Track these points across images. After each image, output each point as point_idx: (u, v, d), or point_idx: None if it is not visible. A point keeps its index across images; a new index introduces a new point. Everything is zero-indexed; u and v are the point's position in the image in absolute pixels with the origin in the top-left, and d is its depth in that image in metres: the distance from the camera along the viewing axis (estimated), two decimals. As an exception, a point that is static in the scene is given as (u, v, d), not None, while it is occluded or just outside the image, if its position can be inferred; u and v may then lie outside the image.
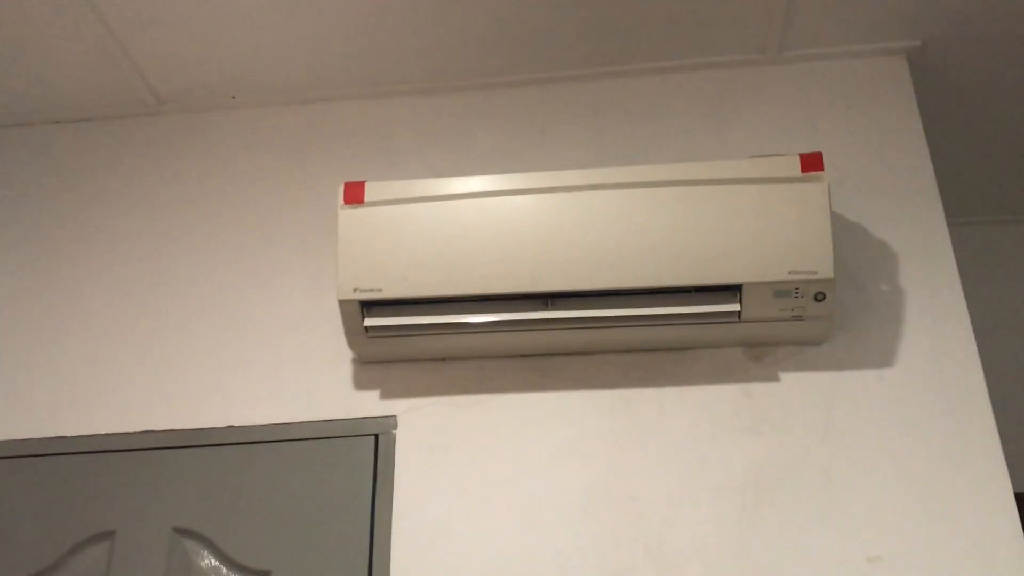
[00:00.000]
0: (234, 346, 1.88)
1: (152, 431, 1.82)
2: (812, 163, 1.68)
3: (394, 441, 1.76)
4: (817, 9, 1.93)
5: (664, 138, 1.99)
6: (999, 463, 1.63)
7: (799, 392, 1.73)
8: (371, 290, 1.69)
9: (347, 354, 1.83)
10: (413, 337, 1.75)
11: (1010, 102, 2.15)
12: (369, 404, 1.80)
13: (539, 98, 2.07)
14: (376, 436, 1.77)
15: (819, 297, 1.66)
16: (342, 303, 1.70)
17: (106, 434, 1.82)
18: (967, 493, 1.61)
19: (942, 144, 2.09)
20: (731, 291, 1.67)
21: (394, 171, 2.01)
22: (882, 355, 1.74)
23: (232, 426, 1.81)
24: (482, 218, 1.70)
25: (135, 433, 1.82)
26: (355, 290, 1.69)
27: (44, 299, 1.98)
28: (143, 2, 1.89)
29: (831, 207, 1.67)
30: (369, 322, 1.71)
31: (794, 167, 1.68)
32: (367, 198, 1.73)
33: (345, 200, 1.73)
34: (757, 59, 2.04)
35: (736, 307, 1.67)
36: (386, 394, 1.81)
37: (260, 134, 2.11)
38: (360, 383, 1.82)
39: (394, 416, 1.78)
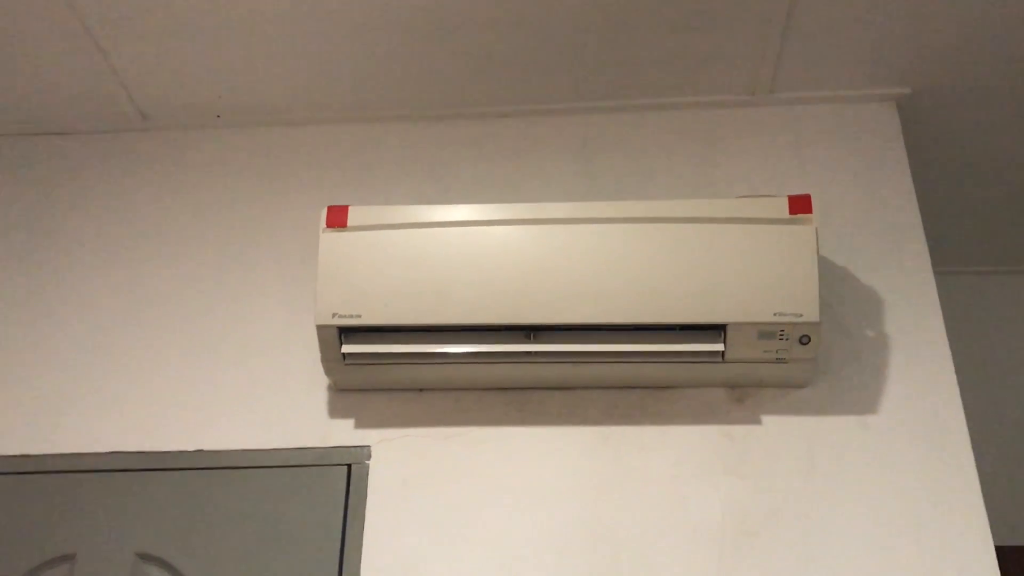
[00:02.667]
0: (208, 368, 1.87)
1: (119, 452, 1.79)
2: (800, 205, 1.69)
3: (367, 472, 1.74)
4: (809, 53, 1.95)
5: (652, 175, 2.01)
6: (980, 514, 1.63)
7: (781, 436, 1.73)
8: (350, 316, 1.68)
9: (322, 381, 1.81)
10: (391, 366, 1.73)
11: (998, 152, 2.19)
12: (343, 433, 1.78)
13: (527, 130, 2.08)
14: (349, 466, 1.75)
15: (804, 340, 1.66)
16: (320, 328, 1.68)
17: (71, 454, 1.79)
18: (948, 543, 1.61)
19: (930, 192, 2.11)
20: (715, 331, 1.67)
21: (377, 196, 2.01)
22: (866, 401, 1.75)
23: (202, 450, 1.78)
24: (466, 247, 1.70)
25: (102, 454, 1.79)
26: (334, 315, 1.68)
27: (12, 314, 1.96)
28: (132, 19, 1.89)
29: (818, 250, 1.67)
30: (347, 348, 1.70)
31: (782, 209, 1.69)
32: (350, 222, 1.72)
33: (327, 224, 1.72)
34: (747, 100, 2.05)
35: (720, 347, 1.67)
36: (361, 423, 1.79)
37: (243, 154, 2.11)
38: (335, 411, 1.80)
39: (368, 447, 1.76)
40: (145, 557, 1.69)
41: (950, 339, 1.80)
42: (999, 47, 1.92)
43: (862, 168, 1.98)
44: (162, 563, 1.68)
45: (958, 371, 1.77)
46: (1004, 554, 1.65)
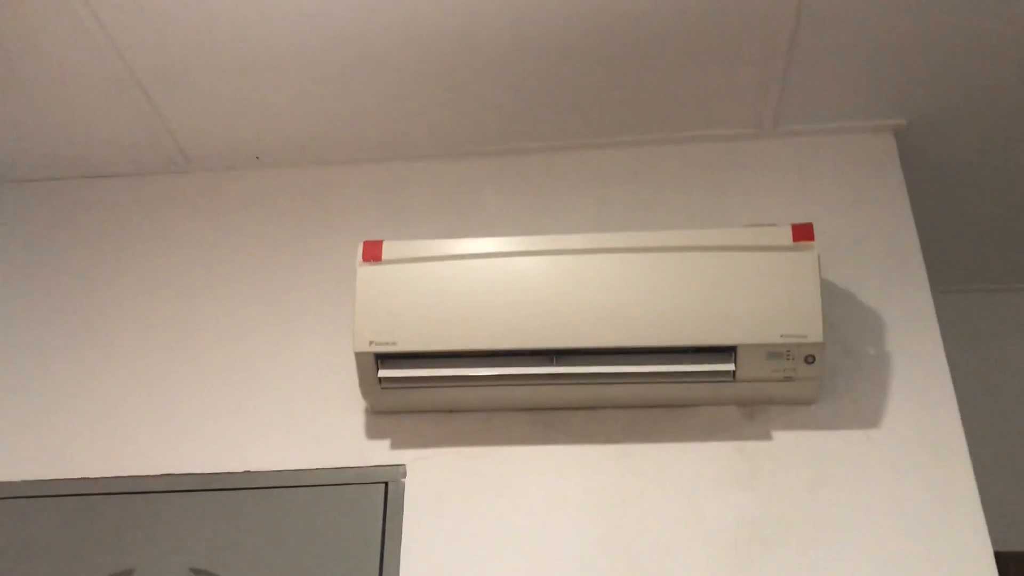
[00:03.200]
0: (253, 395, 1.95)
1: (172, 474, 1.88)
2: (803, 233, 1.76)
3: (403, 489, 1.81)
4: (810, 88, 2.02)
5: (664, 205, 2.07)
6: (979, 520, 1.68)
7: (790, 450, 1.79)
8: (386, 343, 1.76)
9: (360, 404, 1.90)
10: (424, 389, 1.81)
11: (990, 177, 2.24)
12: (380, 453, 1.86)
13: (546, 165, 2.15)
14: (386, 484, 1.82)
15: (809, 360, 1.72)
16: (358, 355, 1.77)
17: (128, 476, 1.88)
18: (949, 551, 1.66)
19: (927, 215, 2.17)
20: (726, 352, 1.73)
21: (407, 231, 2.09)
22: (869, 416, 1.80)
23: (249, 471, 1.87)
24: (492, 278, 1.78)
25: (156, 476, 1.88)
26: (371, 343, 1.76)
27: (72, 346, 2.05)
28: (176, 67, 1.98)
29: (821, 275, 1.74)
30: (383, 373, 1.78)
31: (786, 237, 1.76)
32: (384, 256, 1.81)
33: (364, 258, 1.81)
34: (753, 133, 2.13)
35: (731, 367, 1.74)
36: (396, 443, 1.87)
37: (281, 193, 2.19)
38: (371, 432, 1.88)
39: (403, 465, 1.84)
40: (199, 572, 1.77)
41: (948, 354, 1.85)
42: (987, 76, 1.98)
43: (862, 195, 2.04)
44: None
45: (956, 385, 1.82)
46: (1003, 559, 1.71)
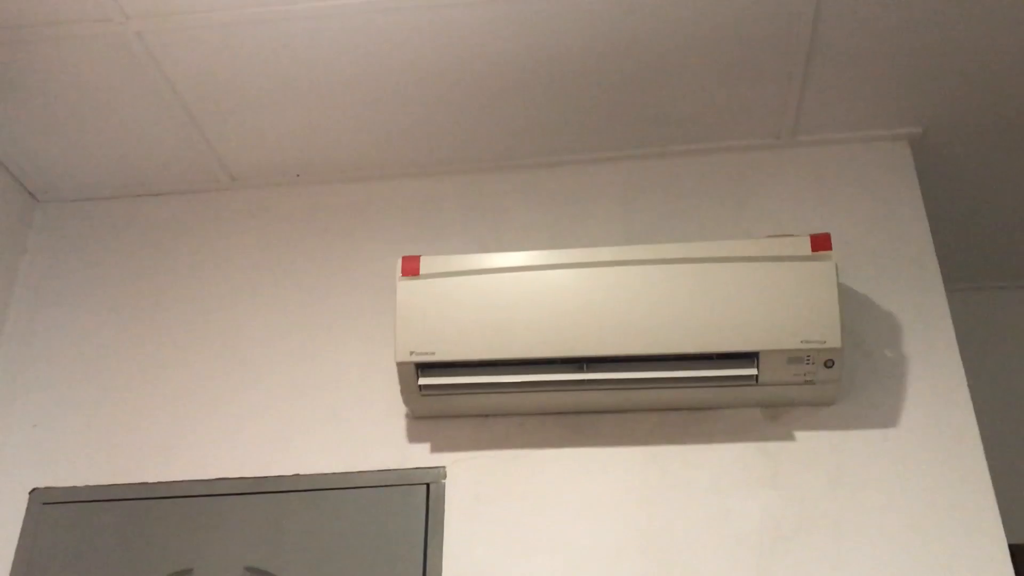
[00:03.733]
0: (300, 403, 2.03)
1: (226, 478, 1.97)
2: (821, 243, 1.83)
3: (444, 490, 1.90)
4: (827, 99, 2.08)
5: (688, 216, 2.13)
6: (994, 516, 1.75)
7: (811, 450, 1.85)
8: (425, 353, 1.85)
9: (401, 410, 1.98)
10: (462, 395, 1.89)
11: (1003, 181, 2.29)
12: (421, 456, 1.94)
13: (574, 179, 2.22)
14: (427, 485, 1.91)
15: (828, 364, 1.79)
16: (400, 364, 1.85)
17: (185, 480, 1.97)
18: (965, 544, 1.73)
19: (942, 219, 2.21)
20: (749, 358, 1.80)
21: (440, 243, 2.16)
22: (887, 416, 1.87)
23: (299, 474, 1.95)
24: (525, 289, 1.86)
25: (211, 480, 1.97)
26: (411, 353, 1.85)
27: (127, 358, 2.14)
28: (221, 91, 2.07)
29: (839, 281, 1.81)
30: (423, 381, 1.86)
31: (805, 247, 1.83)
32: (422, 271, 1.89)
33: (403, 272, 1.89)
34: (772, 144, 2.19)
35: (753, 372, 1.81)
36: (436, 447, 1.95)
37: (321, 209, 2.27)
38: (413, 437, 1.97)
39: (443, 467, 1.92)
40: (253, 570, 1.86)
41: (963, 355, 1.91)
42: (1001, 84, 2.04)
43: (879, 202, 2.09)
44: (268, 575, 1.86)
45: (971, 384, 1.88)
46: (1017, 551, 1.76)
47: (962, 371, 1.91)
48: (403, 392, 1.91)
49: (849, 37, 1.95)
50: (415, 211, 2.25)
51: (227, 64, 2.02)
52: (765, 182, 2.17)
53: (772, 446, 1.87)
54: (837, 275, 1.82)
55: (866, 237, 2.07)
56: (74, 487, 2.01)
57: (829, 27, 1.92)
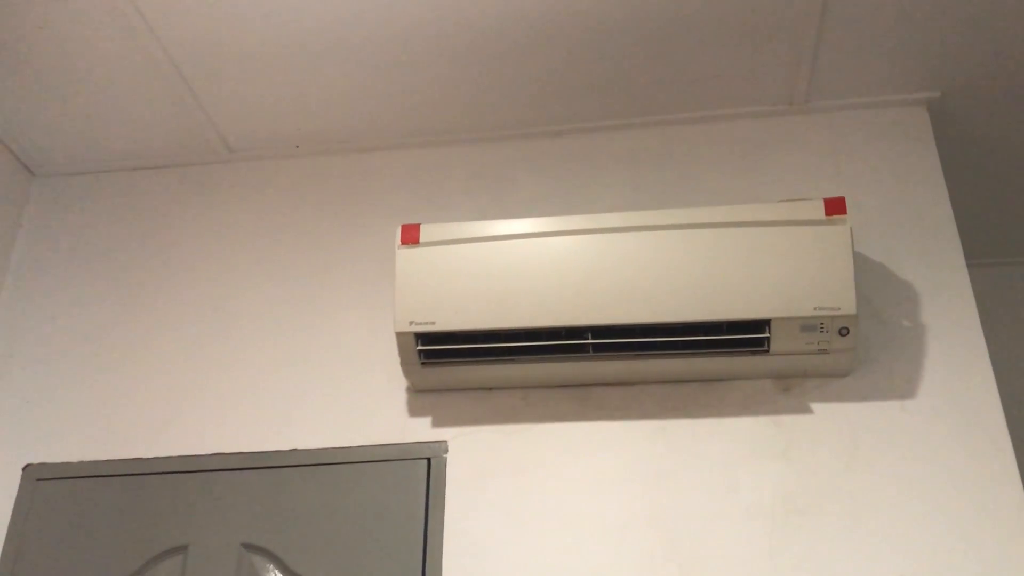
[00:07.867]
0: (298, 375, 2.01)
1: (222, 453, 1.94)
2: (835, 207, 1.78)
3: (445, 465, 1.86)
4: (841, 62, 2.04)
5: (697, 183, 2.10)
6: (1017, 489, 1.70)
7: (825, 422, 1.81)
8: (426, 323, 1.81)
9: (402, 383, 1.95)
10: (463, 367, 1.86)
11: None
12: (422, 430, 1.91)
13: (580, 146, 2.19)
14: (429, 460, 1.88)
15: (843, 332, 1.74)
16: (399, 335, 1.82)
17: (180, 456, 1.95)
18: (986, 518, 1.68)
19: (961, 188, 2.17)
20: (760, 326, 1.76)
21: (444, 214, 2.13)
22: (904, 387, 1.82)
23: (296, 449, 1.93)
24: (528, 257, 1.82)
25: (207, 455, 1.94)
26: (411, 323, 1.82)
27: (122, 332, 2.12)
28: (218, 60, 2.05)
29: (854, 247, 1.76)
30: (422, 348, 1.82)
31: (818, 211, 1.78)
32: (422, 239, 1.86)
33: (402, 241, 1.86)
34: (785, 109, 2.14)
35: (765, 339, 1.76)
36: (437, 421, 1.92)
37: (321, 180, 2.25)
38: (413, 410, 1.94)
39: (445, 441, 1.89)
40: (250, 547, 1.84)
41: (984, 326, 1.85)
42: (1021, 46, 1.98)
43: (896, 168, 2.05)
44: (265, 552, 1.83)
45: (992, 355, 1.82)
46: None
47: (983, 341, 1.85)
48: (403, 364, 1.87)
49: (864, -5, 1.90)
50: (418, 182, 2.22)
51: (225, 34, 1.99)
52: (777, 149, 2.13)
53: (785, 418, 1.83)
54: (852, 240, 1.76)
55: (882, 205, 2.02)
56: (68, 463, 1.99)
57: (843, -16, 1.88)
